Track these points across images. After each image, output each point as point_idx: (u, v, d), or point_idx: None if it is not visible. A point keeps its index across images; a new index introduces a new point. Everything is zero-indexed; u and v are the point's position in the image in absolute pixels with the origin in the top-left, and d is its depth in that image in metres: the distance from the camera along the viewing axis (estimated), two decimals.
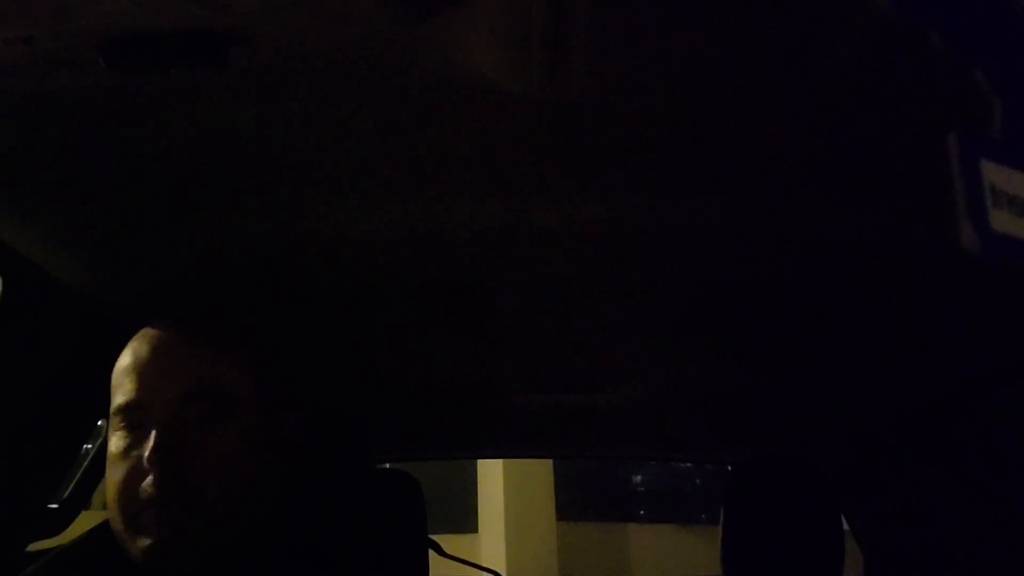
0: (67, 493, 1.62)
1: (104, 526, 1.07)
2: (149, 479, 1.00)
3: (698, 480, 8.10)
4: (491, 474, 7.36)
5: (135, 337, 1.10)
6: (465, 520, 7.33)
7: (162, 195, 1.13)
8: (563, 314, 1.55)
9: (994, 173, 0.38)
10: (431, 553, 1.91)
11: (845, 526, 2.07)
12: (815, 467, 2.09)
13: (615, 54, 0.84)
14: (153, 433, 1.01)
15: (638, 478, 8.39)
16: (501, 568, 3.15)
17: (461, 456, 4.27)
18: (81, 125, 0.96)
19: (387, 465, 2.45)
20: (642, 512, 8.30)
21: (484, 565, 2.17)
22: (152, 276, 1.32)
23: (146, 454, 1.00)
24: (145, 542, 1.01)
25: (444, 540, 1.92)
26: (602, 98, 0.93)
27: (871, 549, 2.27)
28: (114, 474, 1.04)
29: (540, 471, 7.40)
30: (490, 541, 7.27)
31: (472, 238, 1.24)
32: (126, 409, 1.05)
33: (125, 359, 1.08)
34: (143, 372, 1.06)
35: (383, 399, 2.02)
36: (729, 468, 2.41)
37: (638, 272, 1.36)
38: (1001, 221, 0.37)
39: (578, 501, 7.86)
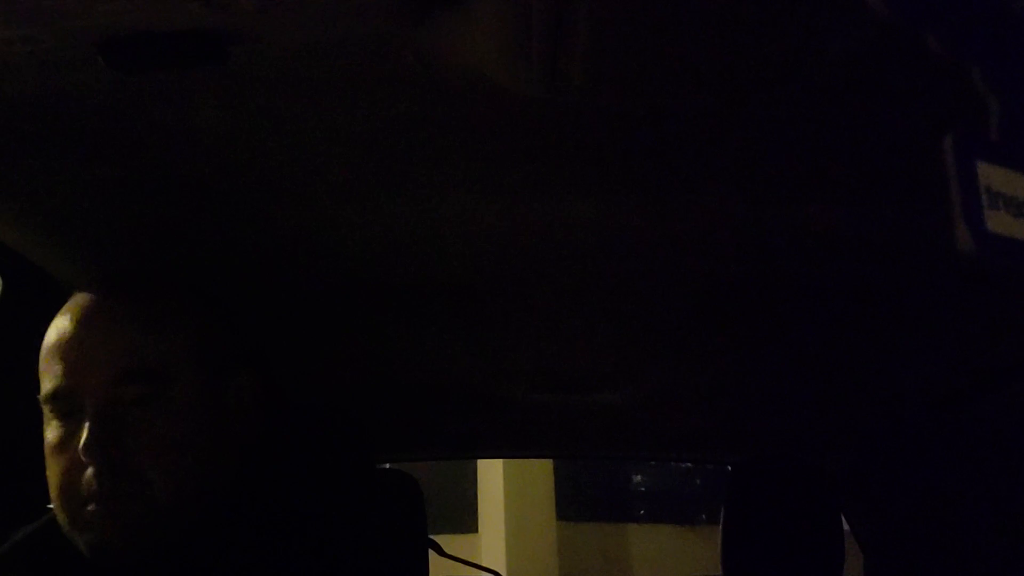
0: None
1: (54, 518, 0.99)
2: (89, 472, 0.93)
3: (698, 480, 8.09)
4: (491, 474, 7.36)
5: (59, 313, 1.00)
6: (465, 520, 7.32)
7: (162, 195, 1.13)
8: (563, 314, 1.55)
9: (990, 174, 0.38)
10: (431, 553, 1.91)
11: (845, 526, 2.07)
12: (815, 467, 2.09)
13: (615, 54, 0.84)
14: (87, 421, 0.93)
15: (638, 478, 8.38)
16: (501, 568, 3.15)
17: (461, 456, 4.26)
18: (81, 125, 0.96)
19: (387, 465, 2.45)
20: (642, 512, 8.29)
21: (484, 565, 2.17)
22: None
23: (81, 446, 0.92)
24: (92, 538, 0.94)
25: (444, 540, 1.92)
26: (602, 98, 0.93)
27: (871, 549, 2.26)
28: (52, 468, 0.96)
29: (540, 471, 7.39)
30: (490, 541, 7.27)
31: (472, 238, 1.24)
32: (55, 396, 0.96)
33: (49, 338, 0.98)
34: (70, 354, 0.96)
35: (383, 399, 2.01)
36: (729, 468, 2.41)
37: (637, 272, 1.36)
38: (997, 222, 0.37)
39: (578, 501, 7.86)
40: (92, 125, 0.97)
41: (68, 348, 0.97)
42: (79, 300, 1.01)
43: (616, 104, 0.95)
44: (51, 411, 0.97)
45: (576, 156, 1.06)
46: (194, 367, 1.00)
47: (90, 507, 0.94)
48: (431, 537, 1.90)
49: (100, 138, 0.99)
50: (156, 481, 0.94)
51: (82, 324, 0.98)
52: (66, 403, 0.96)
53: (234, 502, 1.02)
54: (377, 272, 1.36)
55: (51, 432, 0.97)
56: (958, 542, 1.95)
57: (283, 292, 1.41)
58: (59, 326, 0.99)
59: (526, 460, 6.71)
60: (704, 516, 7.57)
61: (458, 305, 1.48)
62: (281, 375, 1.69)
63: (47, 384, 0.97)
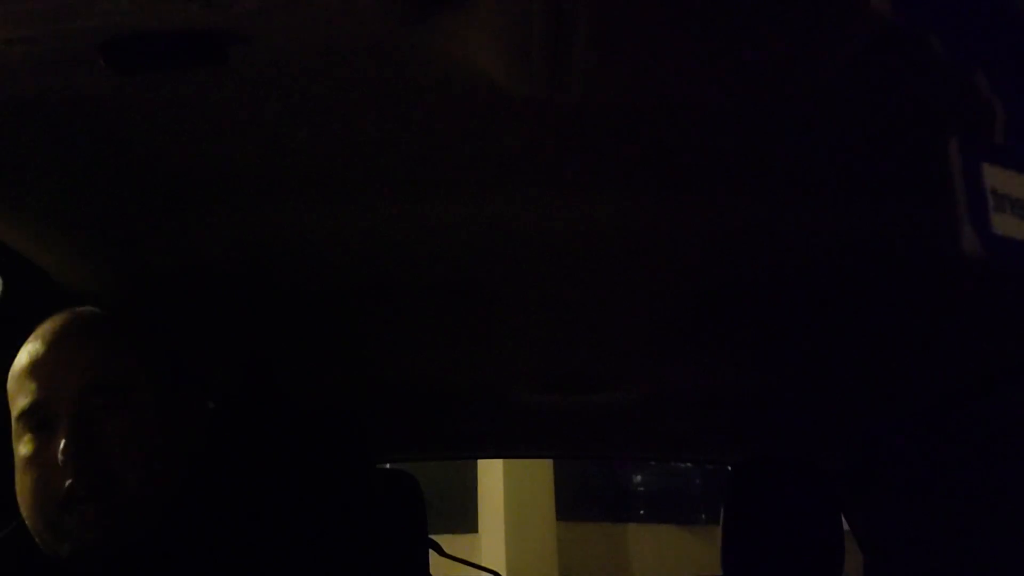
0: None
1: (21, 526, 1.06)
2: (66, 476, 1.00)
3: (698, 480, 8.09)
4: (491, 474, 7.36)
5: (29, 338, 1.10)
6: (465, 520, 7.33)
7: (162, 195, 1.13)
8: (563, 314, 1.55)
9: (996, 176, 0.38)
10: (431, 553, 1.91)
11: (845, 526, 2.07)
12: (815, 467, 2.09)
13: (615, 54, 0.84)
14: (62, 430, 1.02)
15: (638, 478, 8.39)
16: (501, 568, 3.15)
17: (461, 456, 4.27)
18: (81, 125, 0.96)
19: (387, 465, 2.45)
20: (642, 512, 8.30)
21: (484, 565, 2.17)
22: (153, 275, 1.32)
23: (60, 449, 1.00)
24: (71, 541, 1.01)
25: (444, 540, 1.92)
26: (602, 98, 0.93)
27: (871, 549, 2.26)
28: (26, 480, 1.03)
29: (540, 471, 7.39)
30: (490, 541, 7.27)
31: (472, 238, 1.24)
32: (30, 411, 1.04)
33: (21, 361, 1.08)
34: (41, 372, 1.06)
35: (383, 399, 2.01)
36: (729, 468, 2.41)
37: (638, 272, 1.36)
38: (1003, 224, 0.37)
39: (578, 501, 7.86)
40: (92, 125, 0.96)
41: (40, 367, 1.06)
42: (47, 327, 1.11)
43: (616, 104, 0.95)
44: (24, 426, 1.05)
45: (575, 156, 1.06)
46: (149, 381, 1.10)
47: (68, 511, 1.01)
48: (431, 537, 1.91)
49: (100, 138, 0.99)
50: (126, 476, 1.03)
51: (52, 346, 1.08)
52: (39, 417, 1.04)
53: (197, 499, 1.10)
54: (378, 272, 1.35)
55: (24, 446, 1.05)
56: (958, 542, 1.95)
57: (283, 292, 1.41)
58: (30, 350, 1.09)
59: (526, 460, 6.71)
60: (704, 516, 7.57)
61: (459, 305, 1.48)
62: (282, 375, 1.69)
63: (21, 401, 1.06)
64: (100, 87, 0.88)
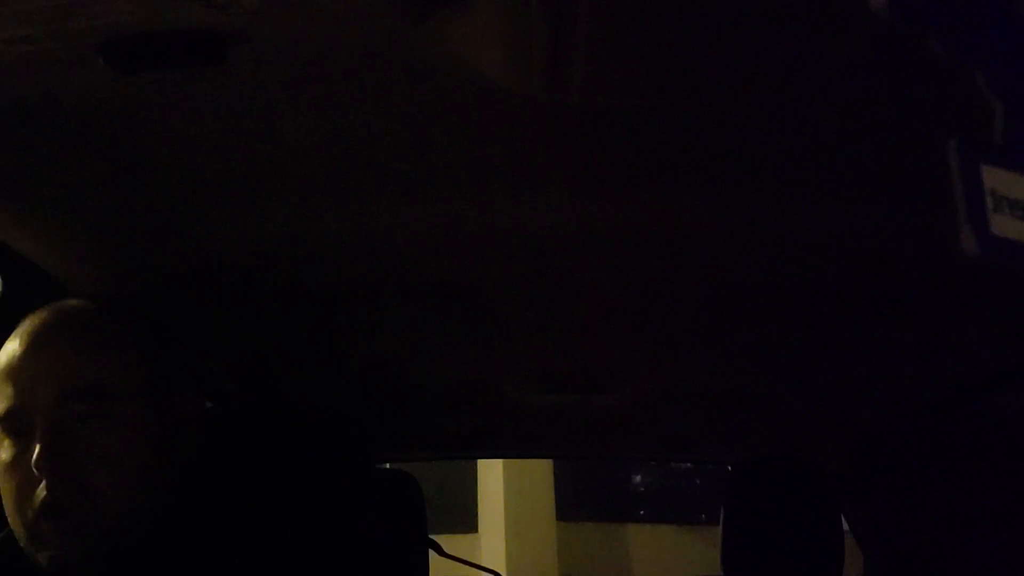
0: None
1: (11, 535, 1.04)
2: (42, 486, 0.98)
3: (698, 480, 8.10)
4: (491, 474, 7.36)
5: (10, 337, 1.06)
6: (465, 520, 7.33)
7: (162, 195, 1.13)
8: (563, 314, 1.55)
9: (995, 177, 0.38)
10: (431, 553, 1.91)
11: (845, 526, 2.07)
12: (815, 467, 2.09)
13: (615, 54, 0.84)
14: (38, 438, 0.98)
15: (638, 478, 8.39)
16: (501, 568, 3.15)
17: (461, 456, 4.27)
18: (81, 125, 0.96)
19: (387, 465, 2.45)
20: (642, 512, 8.30)
21: (484, 565, 2.17)
22: (152, 276, 1.32)
23: (33, 461, 0.97)
24: (47, 551, 0.99)
25: (444, 540, 1.92)
26: (602, 98, 0.93)
27: (871, 549, 2.27)
28: (6, 485, 1.01)
29: (540, 471, 7.39)
30: (490, 541, 7.27)
31: (472, 238, 1.24)
32: (7, 417, 1.01)
33: (1, 361, 1.04)
34: (19, 376, 1.01)
35: (383, 399, 2.02)
36: (729, 468, 2.42)
37: (638, 272, 1.36)
38: (1002, 225, 0.37)
39: (578, 501, 7.86)
40: (92, 125, 0.96)
41: (18, 370, 1.02)
42: (27, 325, 1.06)
43: (616, 104, 0.95)
44: (3, 431, 1.02)
45: (576, 156, 1.06)
46: (136, 386, 1.05)
47: (44, 521, 0.98)
48: (431, 537, 1.91)
49: (100, 138, 0.99)
50: (104, 491, 0.99)
51: (30, 347, 1.03)
52: (17, 422, 1.01)
53: (184, 510, 1.06)
54: (378, 272, 1.36)
55: (4, 452, 1.02)
56: (958, 542, 1.95)
57: (283, 292, 1.41)
58: (9, 351, 1.04)
59: (526, 460, 6.72)
60: (704, 516, 7.57)
61: (458, 305, 1.48)
62: (282, 375, 1.69)
63: (0, 405, 1.02)
64: (100, 87, 0.88)
